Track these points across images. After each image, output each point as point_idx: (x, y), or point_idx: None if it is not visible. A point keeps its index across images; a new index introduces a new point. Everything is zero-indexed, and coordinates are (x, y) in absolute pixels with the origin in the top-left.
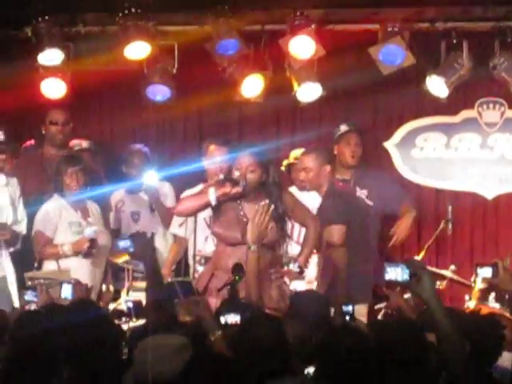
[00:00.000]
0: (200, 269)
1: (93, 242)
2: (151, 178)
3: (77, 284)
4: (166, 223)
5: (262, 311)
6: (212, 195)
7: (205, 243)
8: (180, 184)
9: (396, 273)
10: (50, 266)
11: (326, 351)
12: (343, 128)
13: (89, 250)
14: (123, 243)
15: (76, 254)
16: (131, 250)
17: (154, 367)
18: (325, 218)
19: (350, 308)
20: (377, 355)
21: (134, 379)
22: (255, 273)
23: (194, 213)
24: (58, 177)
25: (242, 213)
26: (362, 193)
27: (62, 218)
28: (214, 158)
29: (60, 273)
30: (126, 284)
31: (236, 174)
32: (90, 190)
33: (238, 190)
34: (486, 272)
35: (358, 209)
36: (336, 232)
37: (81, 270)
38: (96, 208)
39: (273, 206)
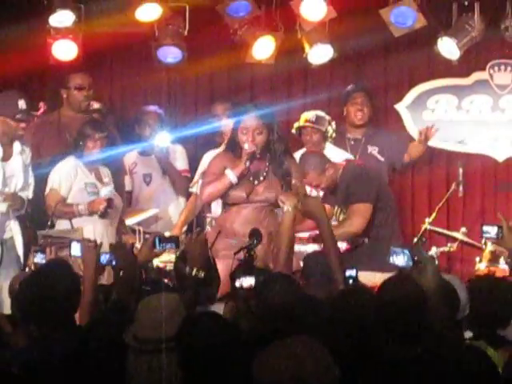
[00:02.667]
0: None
1: (110, 201)
2: (163, 139)
3: (85, 242)
4: (177, 186)
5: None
6: (232, 176)
7: (217, 205)
8: (191, 146)
9: (400, 258)
10: (62, 225)
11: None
12: (350, 88)
13: (105, 210)
14: (104, 257)
15: (92, 213)
16: (113, 262)
17: (153, 327)
18: (348, 196)
19: (353, 272)
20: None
21: (133, 336)
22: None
23: (219, 197)
24: (81, 140)
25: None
26: (373, 149)
27: (78, 179)
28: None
29: (73, 232)
30: (138, 245)
31: (243, 138)
32: (105, 151)
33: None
34: (491, 231)
35: (384, 186)
36: (363, 212)
37: (93, 229)
38: (108, 172)
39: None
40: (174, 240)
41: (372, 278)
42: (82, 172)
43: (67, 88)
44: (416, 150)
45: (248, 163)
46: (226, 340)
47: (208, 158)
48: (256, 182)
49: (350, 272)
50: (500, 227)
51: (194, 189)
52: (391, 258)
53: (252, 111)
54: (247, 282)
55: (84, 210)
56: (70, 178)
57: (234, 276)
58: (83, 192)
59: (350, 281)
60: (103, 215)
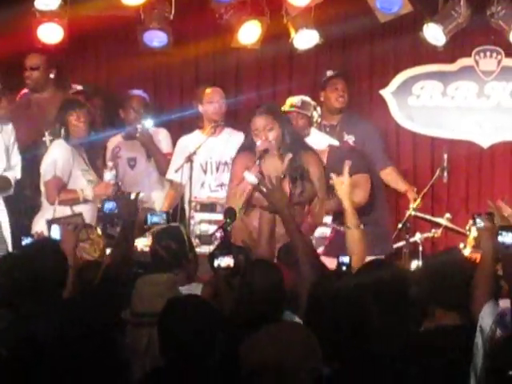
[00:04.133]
0: (196, 215)
1: (116, 185)
2: (147, 123)
3: (64, 225)
4: (162, 169)
5: (259, 257)
6: (251, 178)
7: (201, 189)
8: (176, 130)
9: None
10: (62, 210)
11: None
12: (329, 73)
13: (113, 193)
14: (108, 205)
15: (97, 198)
16: (116, 211)
17: (150, 302)
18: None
19: (346, 259)
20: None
21: (130, 312)
22: (267, 218)
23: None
24: (62, 123)
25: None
26: (349, 138)
27: (75, 165)
28: (212, 101)
29: (76, 216)
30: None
31: (256, 138)
32: (92, 135)
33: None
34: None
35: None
36: (364, 183)
37: (88, 214)
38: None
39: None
40: (164, 214)
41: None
42: (77, 158)
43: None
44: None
45: (259, 161)
46: (207, 325)
47: (183, 141)
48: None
49: (343, 259)
50: (491, 214)
51: (178, 173)
52: (499, 238)
53: (258, 111)
54: (225, 261)
55: (90, 196)
56: (69, 164)
57: (211, 257)
58: (82, 179)
59: (343, 267)
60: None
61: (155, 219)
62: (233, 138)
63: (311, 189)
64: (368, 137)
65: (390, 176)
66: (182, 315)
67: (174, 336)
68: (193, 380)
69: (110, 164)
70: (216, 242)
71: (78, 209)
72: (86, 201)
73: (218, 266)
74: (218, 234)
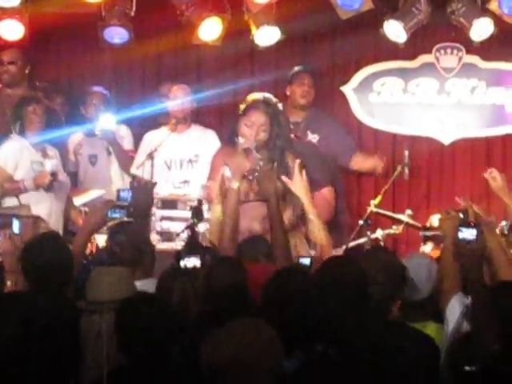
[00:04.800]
0: (157, 212)
1: (54, 175)
2: (108, 120)
3: (24, 218)
4: (124, 166)
5: (223, 255)
6: (228, 173)
7: (165, 186)
8: (137, 127)
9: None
10: (10, 202)
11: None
12: (297, 68)
13: (50, 183)
14: (123, 194)
15: (37, 188)
16: (129, 200)
17: (106, 290)
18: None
19: (306, 260)
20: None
21: (84, 300)
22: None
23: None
24: (18, 118)
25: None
26: (313, 137)
27: (24, 157)
28: (177, 98)
29: (20, 208)
30: None
31: (245, 130)
32: (50, 132)
33: (254, 156)
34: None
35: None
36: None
37: (41, 205)
38: (55, 152)
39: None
40: (124, 208)
41: None
42: (28, 150)
43: None
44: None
45: (251, 159)
46: (162, 324)
47: (149, 137)
48: (251, 178)
49: (303, 260)
50: (465, 212)
51: (140, 170)
52: (459, 234)
53: (262, 106)
54: (191, 262)
55: (30, 185)
56: (15, 156)
57: (178, 257)
58: (29, 170)
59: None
60: (48, 189)
61: (115, 214)
62: (200, 135)
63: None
64: (333, 130)
65: (358, 160)
66: (135, 314)
67: (129, 335)
68: (154, 378)
69: (50, 153)
70: (182, 242)
71: (30, 201)
72: (27, 190)
73: (185, 266)
74: (185, 234)
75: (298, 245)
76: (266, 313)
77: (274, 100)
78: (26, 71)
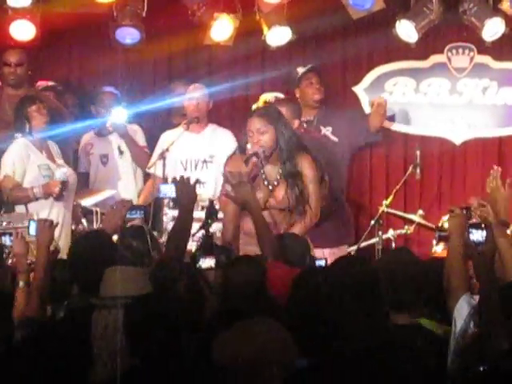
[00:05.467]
0: (168, 212)
1: (64, 184)
2: (119, 115)
3: (41, 221)
4: (138, 160)
5: (240, 255)
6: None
7: None
8: (149, 127)
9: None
10: (18, 209)
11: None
12: (301, 70)
13: (60, 192)
14: (165, 188)
15: (47, 196)
16: (172, 195)
17: (115, 283)
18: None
19: (322, 262)
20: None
21: (98, 296)
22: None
23: None
24: (23, 117)
25: (263, 176)
26: (326, 130)
27: (31, 161)
28: (194, 97)
29: (28, 216)
30: (95, 226)
31: (249, 139)
32: (55, 129)
33: (254, 161)
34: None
35: (325, 151)
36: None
37: (49, 214)
38: (57, 148)
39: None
40: (142, 209)
41: (321, 255)
42: (34, 153)
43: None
44: (375, 122)
45: (250, 165)
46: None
47: (165, 137)
48: (270, 188)
49: (319, 263)
50: (468, 209)
51: (152, 170)
52: (470, 236)
53: (256, 112)
54: (206, 263)
55: (39, 193)
56: (23, 162)
57: (193, 258)
58: (38, 175)
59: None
60: (58, 198)
61: (133, 215)
62: (216, 135)
63: (305, 191)
64: (344, 116)
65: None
66: (144, 313)
67: (139, 337)
68: (167, 378)
69: (60, 162)
70: (194, 242)
71: (38, 208)
72: (36, 198)
73: (200, 266)
74: (200, 235)
75: None
76: (288, 312)
77: (281, 97)
78: (29, 72)
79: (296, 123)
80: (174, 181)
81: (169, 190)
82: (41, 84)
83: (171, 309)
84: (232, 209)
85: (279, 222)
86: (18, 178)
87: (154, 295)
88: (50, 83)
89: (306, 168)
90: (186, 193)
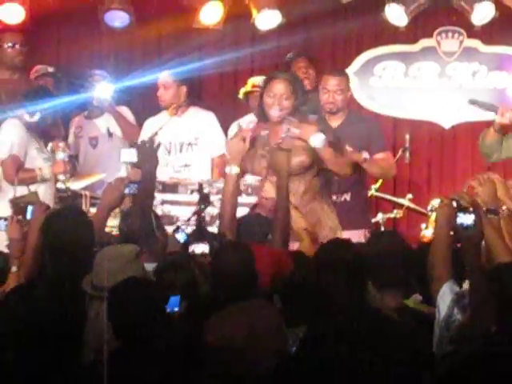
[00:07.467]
0: (158, 195)
1: (72, 164)
2: (104, 89)
3: (37, 205)
4: (128, 135)
5: (230, 240)
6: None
7: (165, 169)
8: (139, 111)
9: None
10: (20, 190)
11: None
12: (290, 55)
13: (66, 171)
14: (125, 153)
15: (55, 176)
16: (132, 160)
17: (109, 276)
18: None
19: None
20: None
21: (91, 284)
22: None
23: None
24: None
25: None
26: (312, 117)
27: (30, 144)
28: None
29: (31, 195)
30: (85, 210)
31: (268, 100)
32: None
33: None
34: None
35: None
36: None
37: (45, 193)
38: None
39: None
40: (136, 183)
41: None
42: (32, 136)
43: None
44: None
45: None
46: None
47: (148, 124)
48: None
49: None
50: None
51: None
52: (457, 219)
53: (281, 75)
54: (199, 248)
55: (48, 174)
56: (24, 142)
57: (186, 242)
58: (38, 157)
59: None
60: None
61: (127, 189)
62: (199, 117)
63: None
64: None
65: None
66: (123, 300)
67: (119, 319)
68: (146, 361)
69: (61, 145)
70: (190, 228)
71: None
72: (44, 180)
73: (193, 252)
74: (193, 220)
75: None
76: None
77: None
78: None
79: (351, 93)
80: (135, 145)
81: (129, 155)
82: (39, 68)
83: (151, 295)
84: (231, 190)
85: (295, 189)
86: (23, 159)
87: (132, 283)
88: (50, 69)
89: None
90: (148, 157)
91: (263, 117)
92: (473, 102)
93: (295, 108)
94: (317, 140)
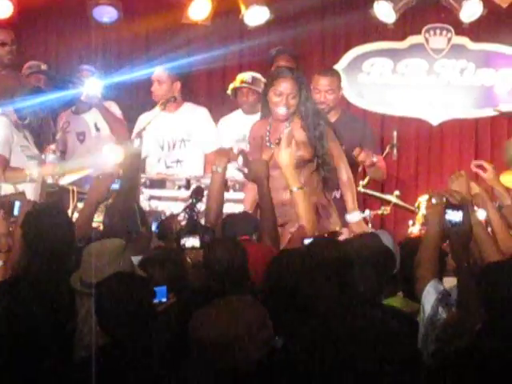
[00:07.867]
0: (145, 191)
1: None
2: (93, 85)
3: (24, 201)
4: (117, 131)
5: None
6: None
7: (157, 165)
8: (127, 107)
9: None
10: (6, 188)
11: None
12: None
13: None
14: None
15: (43, 177)
16: (118, 157)
17: (97, 271)
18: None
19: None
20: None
21: (79, 280)
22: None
23: None
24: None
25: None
26: None
27: (15, 141)
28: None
29: (18, 195)
30: (71, 205)
31: (275, 99)
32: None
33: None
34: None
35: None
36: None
37: (32, 192)
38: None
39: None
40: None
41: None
42: (16, 134)
43: None
44: None
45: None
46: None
47: (142, 119)
48: (272, 146)
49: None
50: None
51: None
52: (446, 216)
53: (287, 73)
54: (190, 242)
55: (36, 175)
56: (8, 140)
57: (178, 235)
58: (22, 156)
59: None
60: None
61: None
62: (192, 113)
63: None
64: None
65: None
66: (109, 295)
67: (106, 314)
68: (134, 356)
69: (52, 147)
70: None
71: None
72: (31, 180)
73: (184, 245)
74: (185, 214)
75: None
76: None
77: (257, 77)
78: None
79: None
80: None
81: (113, 152)
82: (31, 65)
83: (138, 289)
84: (216, 188)
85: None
86: (8, 157)
87: (117, 278)
88: (43, 66)
89: (331, 140)
90: (132, 154)
91: (266, 113)
92: (499, 112)
93: (299, 107)
94: (353, 217)
